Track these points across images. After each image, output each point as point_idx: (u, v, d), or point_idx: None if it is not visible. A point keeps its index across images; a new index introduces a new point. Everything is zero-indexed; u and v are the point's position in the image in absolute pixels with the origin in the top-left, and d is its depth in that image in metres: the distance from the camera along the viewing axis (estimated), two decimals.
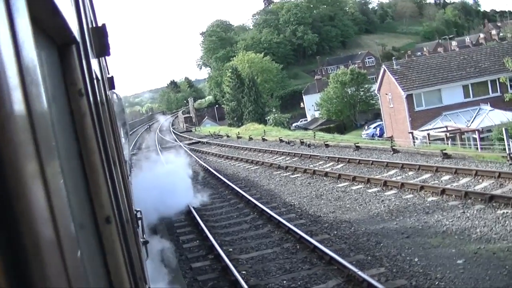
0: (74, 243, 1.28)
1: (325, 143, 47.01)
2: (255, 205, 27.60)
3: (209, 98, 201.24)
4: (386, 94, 72.42)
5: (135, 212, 8.99)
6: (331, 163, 37.22)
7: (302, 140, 51.30)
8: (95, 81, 3.59)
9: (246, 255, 20.46)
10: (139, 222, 9.55)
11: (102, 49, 5.04)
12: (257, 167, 41.93)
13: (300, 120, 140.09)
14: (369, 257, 18.02)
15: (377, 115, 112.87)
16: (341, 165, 35.98)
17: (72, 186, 2.23)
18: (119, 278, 2.76)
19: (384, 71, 70.97)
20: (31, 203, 0.94)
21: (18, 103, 0.97)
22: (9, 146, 0.91)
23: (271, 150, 49.12)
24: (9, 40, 1.00)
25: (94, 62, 4.09)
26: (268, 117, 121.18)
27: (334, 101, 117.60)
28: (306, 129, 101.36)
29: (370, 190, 27.48)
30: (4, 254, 0.86)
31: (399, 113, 68.34)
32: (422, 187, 25.36)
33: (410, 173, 29.60)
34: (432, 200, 23.48)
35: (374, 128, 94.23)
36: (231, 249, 21.39)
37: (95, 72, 3.90)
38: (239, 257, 20.29)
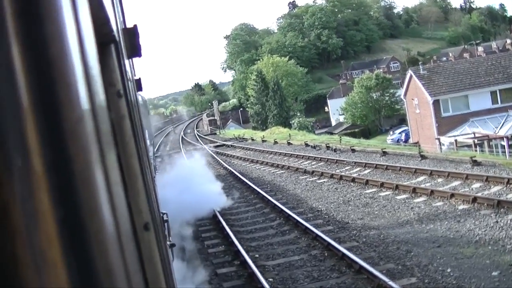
0: (132, 246, 1.25)
1: (351, 148, 46.49)
2: (281, 210, 27.20)
3: (233, 101, 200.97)
4: (412, 99, 71.79)
5: (161, 215, 8.50)
6: (358, 169, 36.74)
7: (328, 145, 50.80)
8: (129, 82, 3.52)
9: (272, 262, 20.10)
10: (165, 225, 9.06)
11: (134, 50, 4.96)
12: (282, 171, 41.54)
13: (318, 126, 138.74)
14: (400, 267, 17.55)
15: (402, 121, 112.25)
16: (368, 170, 35.47)
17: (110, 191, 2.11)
18: (157, 286, 2.67)
19: (411, 76, 70.31)
20: (100, 212, 0.93)
21: (85, 105, 0.94)
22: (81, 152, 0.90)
23: (297, 154, 48.65)
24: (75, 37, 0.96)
25: (127, 63, 4.11)
26: (293, 121, 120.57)
27: (359, 106, 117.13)
28: (330, 133, 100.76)
29: (398, 197, 26.99)
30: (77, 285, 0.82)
31: (425, 119, 67.66)
32: (452, 195, 24.80)
33: (439, 180, 29.02)
34: (463, 209, 22.92)
35: (399, 133, 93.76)
36: (257, 255, 21.03)
37: (127, 74, 3.84)
38: (266, 263, 19.93)
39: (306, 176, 37.37)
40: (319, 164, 42.06)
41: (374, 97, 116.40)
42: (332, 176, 35.02)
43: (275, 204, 28.63)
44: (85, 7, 1.16)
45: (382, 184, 29.70)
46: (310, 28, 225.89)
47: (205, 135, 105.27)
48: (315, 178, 35.95)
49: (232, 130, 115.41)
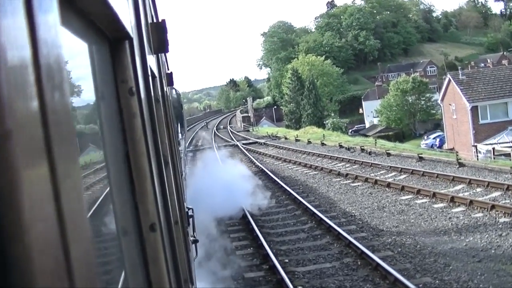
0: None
1: (387, 151, 45.53)
2: (313, 213, 26.44)
3: (268, 98, 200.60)
4: (450, 104, 70.67)
5: (186, 210, 9.11)
6: (393, 173, 35.79)
7: (362, 147, 49.85)
8: (150, 78, 3.50)
9: (303, 268, 19.36)
10: (190, 220, 9.59)
11: (161, 45, 5.05)
12: (315, 172, 40.68)
13: (356, 126, 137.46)
14: (437, 281, 16.68)
15: (437, 125, 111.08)
16: (404, 176, 34.48)
17: (117, 189, 2.25)
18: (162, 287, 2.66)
19: (449, 80, 69.11)
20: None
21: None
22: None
23: (331, 156, 47.81)
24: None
25: (151, 59, 4.12)
26: (327, 121, 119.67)
27: (394, 109, 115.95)
28: (364, 135, 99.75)
29: (436, 205, 25.99)
30: None
31: (462, 125, 66.48)
32: (493, 206, 23.74)
33: (478, 189, 27.99)
34: (504, 222, 21.87)
35: (434, 138, 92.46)
36: (287, 260, 20.30)
37: (151, 69, 3.86)
38: (296, 269, 19.20)
39: (339, 179, 36.49)
40: (353, 166, 41.17)
41: (410, 100, 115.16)
42: (366, 180, 34.09)
43: (306, 207, 27.87)
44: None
45: (418, 191, 28.72)
46: (347, 29, 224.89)
47: (237, 132, 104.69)
48: (349, 181, 35.06)
49: (265, 128, 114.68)
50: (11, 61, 0.83)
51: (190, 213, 9.68)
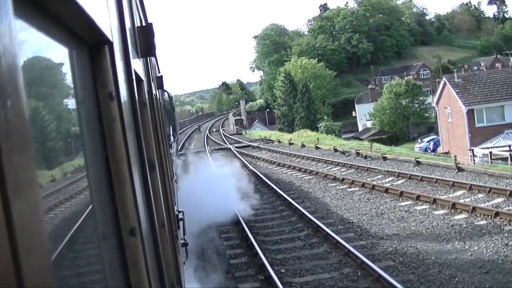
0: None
1: (383, 155, 44.62)
2: (310, 219, 25.54)
3: (260, 101, 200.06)
4: (445, 107, 70.11)
5: (176, 213, 9.21)
6: (391, 178, 34.90)
7: (358, 151, 49.00)
8: (134, 82, 3.45)
9: (300, 279, 18.50)
10: (181, 223, 9.60)
11: (148, 49, 5.07)
12: (310, 176, 39.73)
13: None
14: None
15: (431, 129, 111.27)
16: (402, 181, 33.59)
17: (96, 194, 2.29)
18: None
19: (445, 83, 68.54)
20: None
21: None
22: None
23: (325, 160, 46.89)
24: None
25: (136, 62, 4.15)
26: (320, 124, 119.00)
27: (387, 112, 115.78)
28: (357, 138, 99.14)
29: (436, 212, 25.10)
30: None
31: (458, 128, 65.86)
32: (497, 213, 22.86)
33: (480, 195, 27.13)
34: (510, 230, 20.98)
35: (428, 142, 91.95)
36: (283, 270, 19.43)
37: (136, 73, 3.86)
38: (293, 280, 18.34)
39: (335, 184, 35.58)
40: (349, 171, 40.26)
41: (403, 103, 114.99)
42: (363, 185, 33.18)
43: (302, 213, 26.97)
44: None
45: (418, 197, 27.86)
46: (340, 32, 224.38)
47: (230, 135, 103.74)
48: (345, 186, 34.16)
49: (258, 131, 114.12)
50: None
51: (180, 216, 9.73)
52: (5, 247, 0.95)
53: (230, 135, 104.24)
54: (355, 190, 32.63)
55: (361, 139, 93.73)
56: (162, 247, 4.05)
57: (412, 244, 21.02)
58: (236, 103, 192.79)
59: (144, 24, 6.08)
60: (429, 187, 30.72)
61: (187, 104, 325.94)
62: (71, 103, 2.25)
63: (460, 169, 34.74)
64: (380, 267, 17.93)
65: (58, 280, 1.53)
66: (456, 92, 64.41)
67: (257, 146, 69.78)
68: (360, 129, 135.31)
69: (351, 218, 26.34)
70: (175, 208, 9.64)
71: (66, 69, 2.11)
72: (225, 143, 78.12)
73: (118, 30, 3.07)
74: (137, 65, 4.18)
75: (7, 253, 0.95)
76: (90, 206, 2.27)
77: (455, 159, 37.79)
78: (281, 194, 32.24)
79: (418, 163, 39.20)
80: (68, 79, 2.16)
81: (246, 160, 52.56)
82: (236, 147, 70.19)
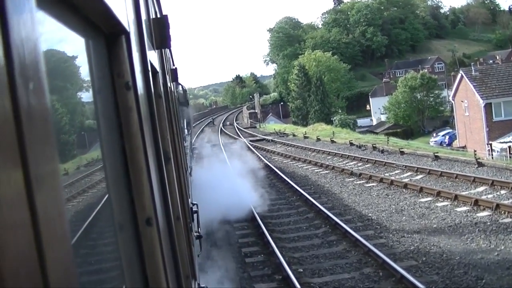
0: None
1: (400, 150, 43.76)
2: (328, 216, 24.79)
3: (274, 94, 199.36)
4: (462, 101, 69.14)
5: (191, 206, 9.42)
6: (409, 173, 34.07)
7: (374, 145, 48.13)
8: (150, 73, 3.52)
9: (319, 279, 17.80)
10: (195, 216, 9.71)
11: (163, 41, 5.13)
12: (327, 171, 38.97)
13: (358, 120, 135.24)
14: None
15: (446, 123, 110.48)
16: (421, 176, 32.76)
17: (113, 184, 2.31)
18: (158, 282, 2.64)
19: (461, 77, 67.66)
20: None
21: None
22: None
23: (341, 154, 46.11)
24: None
25: (152, 54, 4.21)
26: (334, 118, 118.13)
27: (402, 106, 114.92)
28: (372, 132, 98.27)
29: (459, 209, 24.29)
30: None
31: (475, 122, 64.93)
32: None
33: (503, 192, 26.28)
34: None
35: (443, 136, 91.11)
36: (301, 270, 18.74)
37: (152, 64, 3.89)
38: (311, 280, 17.66)
39: (352, 179, 34.82)
40: (366, 165, 39.48)
41: (418, 97, 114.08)
42: (381, 180, 32.41)
43: (320, 209, 26.22)
44: None
45: (438, 193, 27.04)
46: (355, 25, 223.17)
47: (244, 128, 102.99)
48: (363, 182, 33.38)
49: (272, 124, 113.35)
50: None
51: (194, 209, 9.85)
52: (30, 236, 0.97)
53: (244, 128, 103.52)
54: (373, 186, 31.86)
55: (376, 133, 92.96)
56: (177, 239, 4.11)
57: (434, 242, 20.25)
58: (250, 96, 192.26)
59: (159, 16, 6.11)
60: (449, 183, 29.90)
61: (201, 97, 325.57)
62: (88, 93, 2.24)
63: (480, 164, 33.86)
64: (403, 267, 17.22)
65: (77, 267, 1.46)
66: (473, 86, 63.50)
67: (272, 140, 69.08)
68: (374, 122, 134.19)
69: (370, 214, 25.59)
70: (189, 200, 9.87)
71: (83, 59, 2.12)
72: (239, 137, 77.45)
73: (134, 21, 3.09)
74: (152, 56, 4.19)
75: (32, 241, 0.97)
76: (107, 196, 2.26)
77: (475, 154, 36.95)
78: (297, 189, 31.50)
79: (436, 157, 38.30)
80: (85, 69, 2.16)
81: (260, 154, 51.84)
82: (251, 140, 69.51)
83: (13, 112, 0.92)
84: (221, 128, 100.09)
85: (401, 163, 37.23)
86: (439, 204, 25.61)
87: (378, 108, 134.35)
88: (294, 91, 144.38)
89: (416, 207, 25.80)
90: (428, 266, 17.78)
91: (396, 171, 35.46)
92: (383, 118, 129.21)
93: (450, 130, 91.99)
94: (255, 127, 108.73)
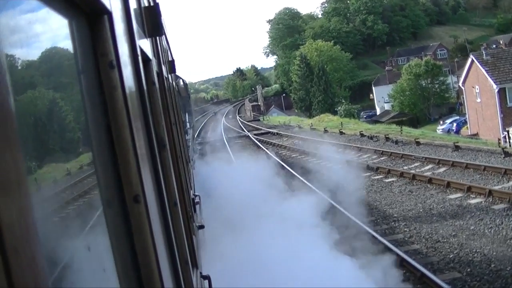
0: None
1: (416, 140, 41.21)
2: (348, 217, 22.15)
3: (276, 86, 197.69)
4: (473, 87, 66.75)
5: (193, 197, 9.69)
6: (430, 166, 31.47)
7: (387, 136, 45.57)
8: (140, 58, 3.48)
9: None
10: (197, 207, 10.03)
11: (155, 29, 5.22)
12: (339, 165, 36.22)
13: (363, 112, 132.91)
14: None
15: (452, 109, 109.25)
16: (444, 168, 30.16)
17: (100, 161, 2.37)
18: (147, 259, 2.66)
19: (472, 62, 65.61)
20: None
21: None
22: None
23: (353, 146, 43.54)
24: None
25: (144, 42, 4.27)
26: (338, 108, 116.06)
27: (407, 94, 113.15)
28: (376, 121, 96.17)
29: (496, 207, 21.62)
30: None
31: (488, 109, 62.75)
32: None
33: None
34: None
35: (450, 123, 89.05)
36: None
37: (142, 51, 3.89)
38: None
39: (369, 173, 32.20)
40: (381, 158, 36.88)
41: (423, 84, 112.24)
42: (402, 174, 29.79)
43: (337, 209, 23.60)
44: None
45: (469, 188, 24.41)
46: (355, 13, 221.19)
47: (248, 121, 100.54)
48: (381, 177, 30.78)
49: (276, 117, 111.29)
50: None
51: (197, 200, 10.19)
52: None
53: (248, 121, 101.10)
54: (393, 181, 29.25)
55: (381, 122, 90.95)
56: (175, 224, 4.28)
57: (477, 248, 17.65)
58: (253, 89, 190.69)
59: (151, 4, 5.93)
60: (478, 176, 27.31)
61: (202, 91, 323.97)
62: (71, 72, 2.28)
63: (507, 154, 31.25)
64: (445, 280, 14.70)
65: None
66: (485, 70, 61.44)
67: (277, 133, 66.51)
68: (378, 111, 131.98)
69: (395, 215, 23.02)
70: (191, 192, 10.02)
71: (66, 38, 2.14)
72: (243, 131, 75.10)
73: (121, 3, 3.09)
74: (144, 44, 4.23)
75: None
76: (94, 173, 2.28)
77: (499, 143, 34.41)
78: (311, 187, 28.76)
79: (457, 147, 35.69)
80: (68, 49, 2.18)
81: (266, 148, 49.24)
82: (255, 134, 67.08)
83: None
84: (223, 122, 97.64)
85: (419, 155, 34.66)
86: (472, 201, 22.98)
87: (382, 97, 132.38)
88: (296, 82, 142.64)
89: (446, 205, 23.17)
90: (475, 279, 15.18)
91: (416, 164, 32.86)
92: (386, 107, 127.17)
93: (457, 117, 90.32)
94: (259, 120, 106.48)
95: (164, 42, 9.35)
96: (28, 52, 1.39)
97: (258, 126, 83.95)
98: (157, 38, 6.44)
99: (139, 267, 2.61)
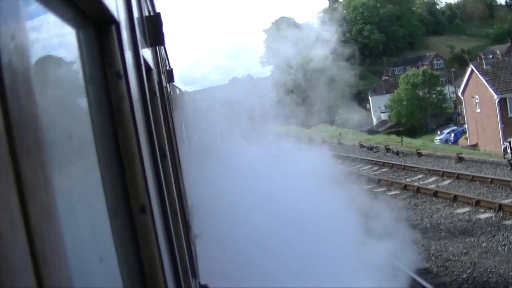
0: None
1: (417, 151, 40.18)
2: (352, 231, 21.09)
3: (272, 96, 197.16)
4: (472, 97, 65.94)
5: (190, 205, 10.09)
6: (434, 178, 30.46)
7: (387, 146, 44.56)
8: (143, 67, 3.54)
9: None
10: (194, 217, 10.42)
11: (156, 38, 5.24)
12: (339, 177, 35.13)
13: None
14: None
15: (449, 120, 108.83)
16: (449, 181, 29.17)
17: (106, 171, 2.36)
18: (153, 269, 2.64)
19: (472, 71, 64.97)
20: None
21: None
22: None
23: (353, 157, 42.45)
24: None
25: (145, 51, 4.28)
26: (336, 118, 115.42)
27: (404, 104, 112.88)
28: (373, 132, 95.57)
29: (508, 222, 20.63)
30: None
31: (488, 119, 61.99)
32: None
33: None
34: None
35: (448, 133, 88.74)
36: None
37: (145, 61, 3.96)
38: None
39: (371, 185, 31.11)
40: (383, 170, 35.87)
41: (421, 94, 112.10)
42: (405, 187, 28.74)
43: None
44: None
45: (477, 202, 23.39)
46: (351, 23, 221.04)
47: (245, 131, 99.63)
48: (384, 189, 29.71)
49: (270, 126, 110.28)
50: None
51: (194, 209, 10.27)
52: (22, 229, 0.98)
53: (245, 131, 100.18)
54: (396, 194, 28.24)
55: (378, 132, 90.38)
56: (175, 233, 4.18)
57: (491, 268, 16.60)
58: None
59: (152, 13, 5.90)
60: (485, 189, 26.31)
61: (198, 100, 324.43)
62: (79, 82, 2.22)
63: None
64: None
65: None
66: (486, 80, 60.79)
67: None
68: (375, 122, 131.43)
69: (401, 230, 21.96)
70: (188, 200, 10.02)
71: (74, 48, 2.12)
72: (239, 139, 74.28)
73: (125, 13, 3.02)
74: (146, 53, 4.26)
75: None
76: (101, 183, 2.27)
77: (505, 154, 33.41)
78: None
79: (460, 159, 34.67)
80: (76, 58, 2.17)
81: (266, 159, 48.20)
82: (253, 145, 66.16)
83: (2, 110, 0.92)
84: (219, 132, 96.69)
85: (422, 167, 33.66)
86: (482, 216, 21.96)
87: (378, 107, 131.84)
88: (293, 91, 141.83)
89: (454, 220, 22.16)
90: None
91: (419, 176, 31.86)
92: (383, 117, 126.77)
93: (455, 127, 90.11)
94: (255, 129, 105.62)
95: (163, 51, 9.50)
96: (34, 60, 1.28)
97: (255, 136, 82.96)
98: (157, 47, 6.41)
99: (145, 278, 2.58)
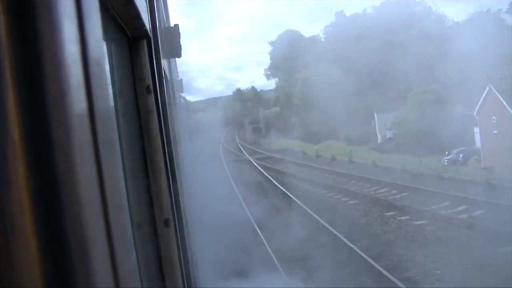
0: (126, 244, 1.47)
1: (439, 174, 36.78)
2: (379, 272, 17.77)
3: (276, 109, 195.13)
4: (489, 117, 62.93)
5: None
6: (464, 207, 26.83)
7: (404, 167, 41.17)
8: (164, 80, 3.60)
9: None
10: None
11: (174, 50, 5.67)
12: (355, 201, 31.60)
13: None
14: None
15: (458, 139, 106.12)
16: (481, 211, 25.55)
17: (132, 184, 2.49)
18: (174, 282, 2.74)
19: (489, 90, 61.53)
20: (77, 186, 0.96)
21: (81, 100, 1.00)
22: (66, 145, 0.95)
23: (367, 178, 38.92)
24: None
25: (164, 62, 4.33)
26: (343, 133, 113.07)
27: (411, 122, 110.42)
28: (379, 149, 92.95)
29: None
30: (47, 253, 0.88)
31: (507, 141, 58.52)
32: None
33: None
34: None
35: (456, 153, 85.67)
36: None
37: (164, 72, 4.06)
38: None
39: (393, 213, 27.50)
40: (403, 194, 32.28)
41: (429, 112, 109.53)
42: (434, 217, 25.26)
43: (364, 259, 19.21)
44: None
45: None
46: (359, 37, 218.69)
47: (249, 145, 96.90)
48: (408, 217, 26.18)
49: (277, 140, 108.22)
50: (66, 58, 0.91)
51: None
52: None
53: (249, 145, 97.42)
54: (423, 224, 24.76)
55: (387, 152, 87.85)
56: (193, 246, 4.67)
57: None
58: (252, 110, 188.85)
59: (167, 25, 6.52)
60: None
61: (200, 111, 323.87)
62: (110, 94, 2.18)
63: None
64: None
65: None
66: (505, 100, 57.38)
67: (281, 158, 62.46)
68: (379, 139, 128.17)
69: (437, 271, 18.55)
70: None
71: (107, 60, 2.16)
72: (243, 154, 71.37)
73: (151, 26, 3.09)
74: (165, 65, 4.37)
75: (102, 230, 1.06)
76: (126, 196, 2.34)
77: None
78: (327, 228, 24.27)
79: (490, 184, 31.15)
80: (107, 71, 2.12)
81: (270, 175, 44.84)
82: (256, 158, 63.26)
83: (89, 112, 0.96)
84: (222, 144, 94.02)
85: (448, 192, 30.08)
86: None
87: (384, 124, 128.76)
88: (298, 105, 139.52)
89: (500, 261, 18.67)
90: None
91: (446, 203, 28.23)
92: (388, 134, 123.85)
93: (464, 148, 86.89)
94: (259, 143, 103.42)
95: (174, 61, 9.63)
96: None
97: (258, 150, 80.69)
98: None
99: None
